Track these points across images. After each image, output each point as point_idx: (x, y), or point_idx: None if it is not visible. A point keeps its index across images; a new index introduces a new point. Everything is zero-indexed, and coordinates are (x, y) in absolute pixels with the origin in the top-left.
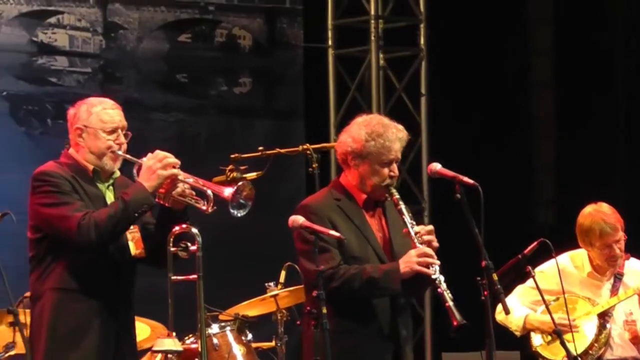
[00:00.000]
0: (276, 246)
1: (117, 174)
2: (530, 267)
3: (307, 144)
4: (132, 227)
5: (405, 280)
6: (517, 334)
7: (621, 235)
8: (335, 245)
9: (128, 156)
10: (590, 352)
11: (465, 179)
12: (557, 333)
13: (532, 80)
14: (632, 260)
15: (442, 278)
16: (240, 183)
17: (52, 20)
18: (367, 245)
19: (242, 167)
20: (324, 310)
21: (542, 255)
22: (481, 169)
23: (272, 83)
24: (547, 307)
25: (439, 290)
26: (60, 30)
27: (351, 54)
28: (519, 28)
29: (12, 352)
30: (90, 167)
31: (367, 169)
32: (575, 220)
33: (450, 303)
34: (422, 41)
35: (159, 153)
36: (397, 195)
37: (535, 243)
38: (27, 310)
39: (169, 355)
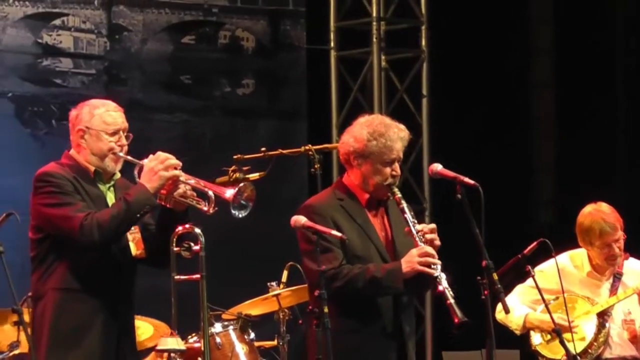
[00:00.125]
0: (278, 246)
1: (118, 175)
2: (530, 267)
3: (310, 145)
4: (132, 227)
5: (407, 279)
6: (517, 332)
7: (620, 234)
8: (338, 245)
9: (129, 157)
10: (590, 351)
11: (466, 179)
12: (556, 332)
13: (532, 80)
14: (631, 260)
15: (443, 276)
16: (241, 184)
17: (57, 22)
18: (370, 244)
19: (244, 168)
20: (326, 310)
21: (542, 254)
22: (482, 169)
23: (275, 84)
24: (546, 306)
25: (440, 288)
26: (65, 32)
27: (353, 55)
28: (520, 28)
29: (16, 351)
30: (92, 168)
31: (369, 169)
32: (575, 220)
33: (452, 301)
34: (423, 43)
35: (160, 154)
36: (399, 194)
37: (535, 243)
38: (31, 310)
39: (172, 354)
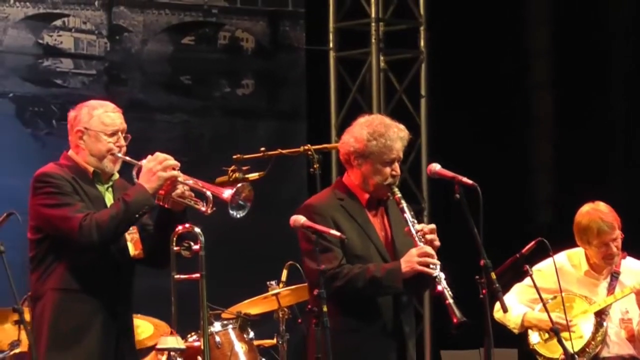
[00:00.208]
0: (277, 246)
1: (116, 176)
2: (527, 266)
3: (309, 145)
4: (131, 228)
5: (407, 279)
6: (515, 331)
7: (618, 233)
8: (338, 245)
9: (128, 158)
10: (587, 350)
11: (465, 179)
12: (554, 331)
13: (531, 81)
14: (629, 259)
15: (442, 276)
16: (239, 184)
17: (58, 22)
18: (370, 244)
19: (244, 168)
20: (325, 309)
21: (540, 254)
22: (480, 169)
23: (275, 85)
24: (544, 305)
25: (439, 287)
26: (66, 33)
27: (352, 56)
28: (518, 29)
29: (17, 350)
30: (90, 168)
31: (369, 169)
32: (573, 220)
33: (451, 300)
34: (422, 44)
35: (159, 155)
36: (399, 194)
37: (533, 242)
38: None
39: (172, 353)
